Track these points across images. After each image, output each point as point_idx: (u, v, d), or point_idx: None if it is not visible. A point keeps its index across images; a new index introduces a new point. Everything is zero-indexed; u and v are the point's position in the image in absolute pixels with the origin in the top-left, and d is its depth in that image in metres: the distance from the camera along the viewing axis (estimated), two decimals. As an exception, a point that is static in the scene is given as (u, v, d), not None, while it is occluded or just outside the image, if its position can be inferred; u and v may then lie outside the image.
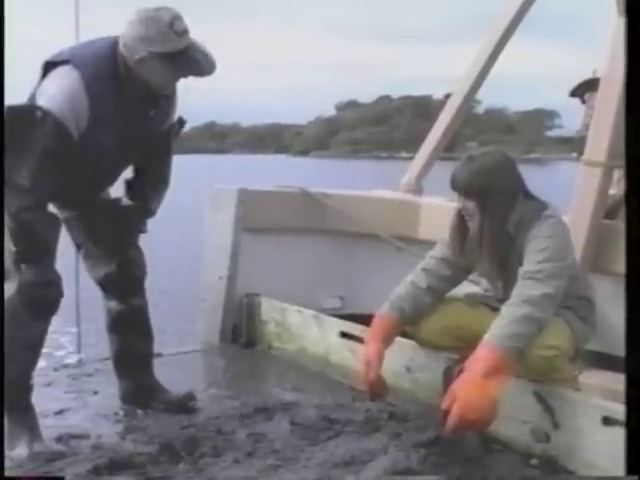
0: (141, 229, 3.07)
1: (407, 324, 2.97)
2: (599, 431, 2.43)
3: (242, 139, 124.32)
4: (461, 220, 2.86)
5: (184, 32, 2.66)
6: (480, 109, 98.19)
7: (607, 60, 3.35)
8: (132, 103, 2.75)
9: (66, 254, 3.75)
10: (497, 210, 2.75)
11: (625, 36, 2.06)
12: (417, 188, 4.46)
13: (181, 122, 3.04)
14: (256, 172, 27.87)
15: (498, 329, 2.56)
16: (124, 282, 3.07)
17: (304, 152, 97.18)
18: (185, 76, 2.75)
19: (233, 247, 4.12)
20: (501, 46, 4.21)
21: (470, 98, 4.39)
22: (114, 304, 3.11)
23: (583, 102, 3.95)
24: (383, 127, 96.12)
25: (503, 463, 2.61)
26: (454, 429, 2.47)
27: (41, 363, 3.00)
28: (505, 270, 2.81)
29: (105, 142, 2.72)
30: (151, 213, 3.04)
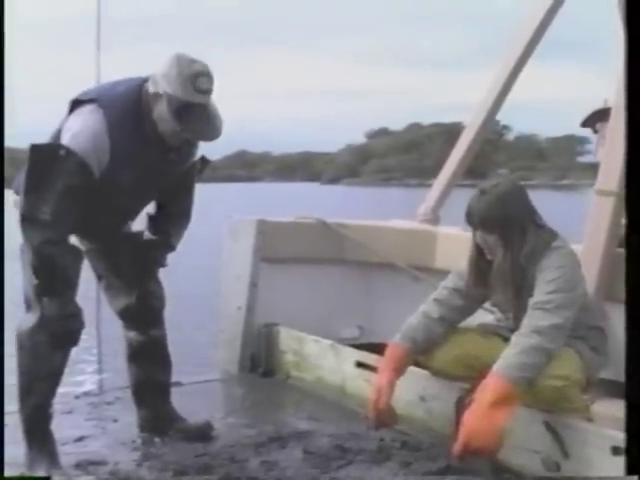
0: (161, 263, 3.13)
1: (419, 354, 3.00)
2: (609, 461, 2.43)
3: (272, 167, 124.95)
4: (479, 254, 2.88)
5: (205, 91, 2.69)
6: (511, 136, 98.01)
7: (618, 89, 3.38)
8: (153, 145, 2.80)
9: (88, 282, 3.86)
10: (516, 240, 2.77)
11: (625, 62, 2.09)
12: (434, 217, 4.49)
13: (204, 161, 3.10)
14: (287, 200, 27.99)
15: (507, 359, 2.58)
16: (143, 314, 3.12)
17: (335, 180, 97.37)
18: (185, 133, 2.75)
19: (252, 277, 4.17)
20: (516, 72, 4.23)
21: (486, 126, 4.41)
22: (134, 335, 3.17)
23: (595, 132, 3.97)
24: (414, 154, 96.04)
25: (513, 492, 2.62)
26: (459, 456, 2.50)
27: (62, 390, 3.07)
28: (517, 301, 2.82)
29: (125, 182, 2.79)
30: (171, 248, 3.10)
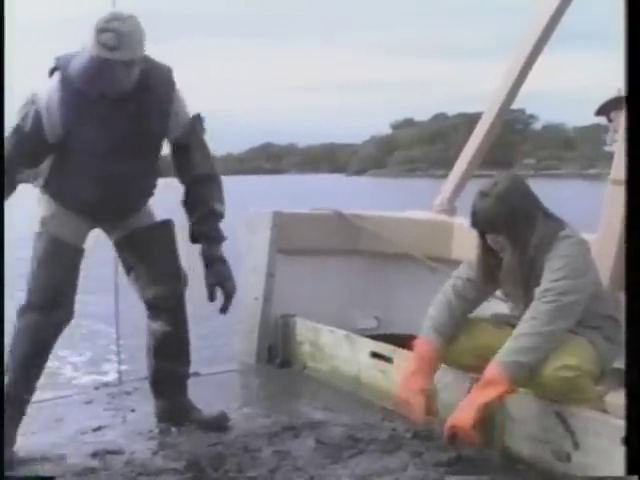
0: (217, 236, 3.04)
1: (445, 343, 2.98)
2: (619, 451, 2.42)
3: (298, 159, 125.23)
4: (486, 252, 2.88)
5: (109, 47, 2.69)
6: (538, 125, 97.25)
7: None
8: (100, 101, 2.82)
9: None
10: (524, 236, 2.77)
11: (625, 48, 2.07)
12: (450, 208, 4.49)
13: (199, 118, 3.05)
14: (312, 192, 28.00)
15: (505, 346, 2.64)
16: (174, 304, 3.14)
17: (360, 171, 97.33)
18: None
19: (268, 269, 4.20)
20: (531, 61, 4.21)
21: (501, 116, 4.39)
22: (158, 325, 3.16)
23: (609, 121, 3.94)
24: (439, 145, 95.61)
25: (524, 483, 2.63)
26: (446, 439, 2.65)
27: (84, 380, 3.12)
28: (527, 292, 2.82)
29: (95, 142, 2.86)
30: (219, 215, 3.04)
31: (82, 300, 3.12)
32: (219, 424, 3.18)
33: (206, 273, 3.04)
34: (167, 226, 3.16)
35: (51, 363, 3.13)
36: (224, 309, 3.07)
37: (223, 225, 3.09)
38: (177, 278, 3.16)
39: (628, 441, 1.97)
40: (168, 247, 3.13)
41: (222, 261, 3.05)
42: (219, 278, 3.03)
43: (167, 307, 3.14)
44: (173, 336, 3.18)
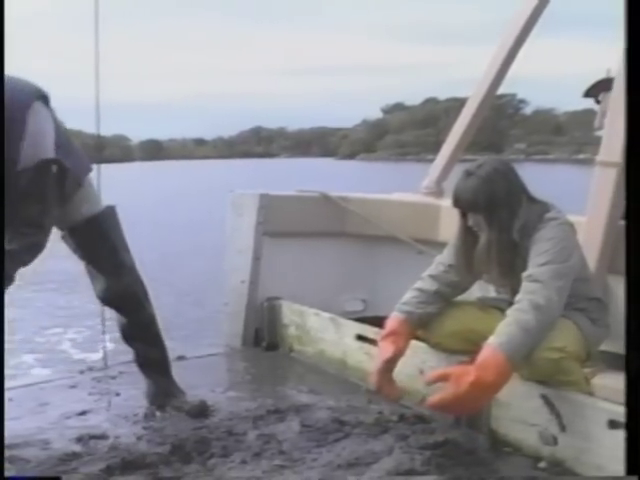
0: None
1: (416, 326, 2.98)
2: (605, 434, 2.41)
3: (288, 143, 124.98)
4: (467, 234, 2.86)
5: None
6: (528, 110, 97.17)
7: (620, 59, 3.32)
8: None
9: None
10: (503, 219, 2.75)
11: (625, 33, 2.05)
12: (438, 190, 4.47)
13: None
14: (302, 176, 27.94)
15: (501, 333, 2.55)
16: (122, 298, 3.10)
17: (351, 155, 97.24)
18: None
19: (254, 251, 4.17)
20: (518, 45, 4.19)
21: (488, 100, 4.37)
22: (120, 317, 3.18)
23: (597, 102, 3.92)
24: (430, 129, 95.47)
25: (511, 465, 2.61)
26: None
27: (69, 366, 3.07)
28: (512, 276, 2.79)
29: None
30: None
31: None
32: (198, 413, 3.11)
33: None
34: (104, 216, 3.03)
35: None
36: None
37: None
38: (118, 272, 3.06)
39: (628, 441, 1.95)
40: (106, 241, 3.02)
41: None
42: None
43: (115, 302, 3.12)
44: (136, 326, 3.17)
